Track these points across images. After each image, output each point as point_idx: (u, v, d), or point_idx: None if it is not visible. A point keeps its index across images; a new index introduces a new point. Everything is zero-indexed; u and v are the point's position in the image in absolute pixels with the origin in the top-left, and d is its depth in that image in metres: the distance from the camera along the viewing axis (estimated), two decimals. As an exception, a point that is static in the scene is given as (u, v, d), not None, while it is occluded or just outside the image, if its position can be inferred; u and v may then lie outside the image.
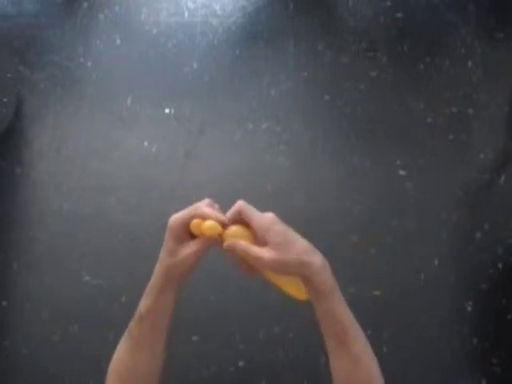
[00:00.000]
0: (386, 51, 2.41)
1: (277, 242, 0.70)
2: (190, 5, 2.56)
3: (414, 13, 2.49)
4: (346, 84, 2.36)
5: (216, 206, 0.77)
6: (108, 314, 2.00)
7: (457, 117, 2.29)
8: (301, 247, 0.71)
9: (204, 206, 0.75)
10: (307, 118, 2.31)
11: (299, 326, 1.99)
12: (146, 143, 2.30)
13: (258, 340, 1.98)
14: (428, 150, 2.24)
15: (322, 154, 2.25)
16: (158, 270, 0.76)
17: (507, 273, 2.06)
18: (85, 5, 2.56)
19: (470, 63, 2.37)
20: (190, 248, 0.75)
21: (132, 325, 0.77)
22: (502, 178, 2.19)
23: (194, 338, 1.99)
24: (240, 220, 0.74)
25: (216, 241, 0.76)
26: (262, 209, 0.75)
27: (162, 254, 0.76)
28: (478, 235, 2.10)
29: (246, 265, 0.76)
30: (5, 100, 2.40)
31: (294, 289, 0.78)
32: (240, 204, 0.74)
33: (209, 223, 0.74)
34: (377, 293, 1.97)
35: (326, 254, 0.73)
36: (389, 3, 2.51)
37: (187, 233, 0.75)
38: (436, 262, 2.07)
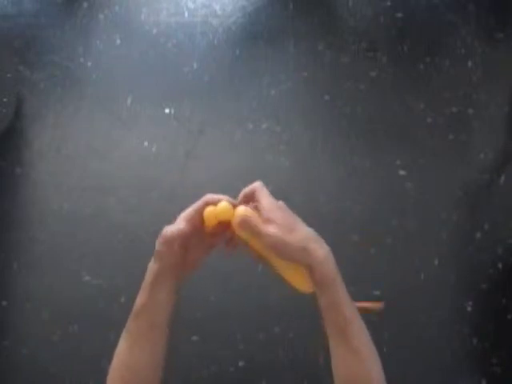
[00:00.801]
0: (386, 51, 2.41)
1: (282, 223, 0.72)
2: (190, 5, 2.56)
3: (414, 13, 2.49)
4: (346, 84, 2.36)
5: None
6: (108, 314, 2.00)
7: (457, 117, 2.29)
8: (306, 235, 0.72)
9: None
10: (307, 118, 2.31)
11: (299, 325, 1.99)
12: (146, 143, 2.30)
13: (258, 340, 1.98)
14: (428, 150, 2.24)
15: (322, 154, 2.25)
16: (158, 266, 0.75)
17: (507, 273, 2.06)
18: (85, 5, 2.56)
19: (470, 63, 2.37)
20: (195, 256, 0.78)
21: (130, 321, 0.77)
22: (502, 178, 2.19)
23: (194, 337, 1.99)
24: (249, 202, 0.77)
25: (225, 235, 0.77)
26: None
27: (160, 257, 0.75)
28: (478, 235, 2.10)
29: (253, 251, 0.77)
30: (5, 100, 2.40)
31: (299, 280, 0.78)
32: (256, 184, 0.77)
33: (222, 206, 0.75)
34: (377, 293, 1.97)
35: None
36: (389, 3, 2.51)
37: (183, 245, 0.76)
38: (436, 262, 2.07)
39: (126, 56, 2.46)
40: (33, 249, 2.15)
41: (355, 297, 0.73)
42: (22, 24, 2.55)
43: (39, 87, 2.41)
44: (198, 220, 0.76)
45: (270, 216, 0.72)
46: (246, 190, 0.78)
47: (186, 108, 2.35)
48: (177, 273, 0.77)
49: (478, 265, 2.07)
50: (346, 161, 2.23)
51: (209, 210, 0.76)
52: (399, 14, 2.48)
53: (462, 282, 2.05)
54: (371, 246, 2.08)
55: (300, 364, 1.95)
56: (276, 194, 0.76)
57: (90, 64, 2.45)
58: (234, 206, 0.76)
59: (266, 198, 0.74)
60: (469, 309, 2.01)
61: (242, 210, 0.75)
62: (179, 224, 0.76)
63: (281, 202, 0.75)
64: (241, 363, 1.95)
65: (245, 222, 0.73)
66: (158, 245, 0.76)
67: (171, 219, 0.79)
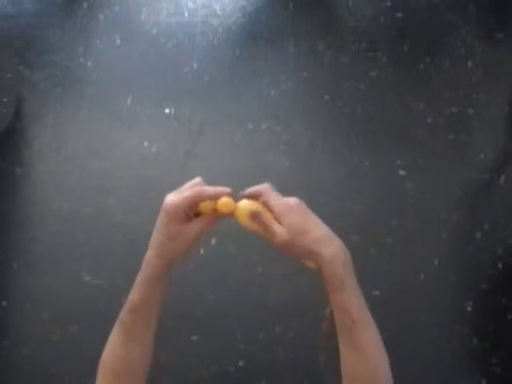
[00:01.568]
0: (386, 51, 2.41)
1: (290, 228, 0.72)
2: (190, 5, 2.56)
3: (414, 13, 2.49)
4: (346, 84, 2.36)
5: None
6: (108, 314, 1.99)
7: (457, 117, 2.29)
8: (314, 237, 0.71)
9: (203, 186, 0.76)
10: (307, 117, 2.31)
11: (299, 325, 1.99)
12: (146, 143, 2.30)
13: (258, 340, 1.98)
14: (428, 150, 2.24)
15: (322, 154, 2.25)
16: (154, 256, 0.75)
17: (507, 273, 2.06)
18: (85, 5, 2.56)
19: (470, 63, 2.37)
20: (194, 228, 0.75)
21: (125, 315, 0.76)
22: (502, 178, 2.19)
23: (194, 337, 1.99)
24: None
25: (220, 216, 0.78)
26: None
27: (160, 239, 0.75)
28: (478, 235, 2.10)
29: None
30: (5, 100, 2.40)
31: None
32: (262, 188, 0.76)
33: (224, 200, 0.76)
34: (377, 293, 1.97)
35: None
36: (389, 3, 2.51)
37: (186, 214, 0.75)
38: (436, 262, 2.07)
39: (126, 56, 2.46)
40: (33, 249, 2.15)
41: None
42: (22, 24, 2.55)
43: (39, 87, 2.41)
44: (181, 213, 0.75)
45: (280, 220, 0.73)
46: (252, 190, 0.77)
47: (186, 108, 2.35)
48: (178, 259, 0.76)
49: (478, 265, 2.07)
50: (346, 161, 2.23)
51: (207, 203, 0.76)
52: (399, 14, 2.49)
53: (462, 282, 2.05)
54: (371, 246, 2.08)
55: (300, 364, 1.95)
56: (276, 193, 0.77)
57: (89, 64, 2.45)
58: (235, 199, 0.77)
59: (275, 201, 0.74)
60: (469, 309, 2.01)
61: (245, 202, 0.77)
62: (182, 192, 0.75)
63: (292, 200, 0.74)
64: (241, 363, 1.95)
65: (257, 217, 0.75)
66: (161, 214, 0.75)
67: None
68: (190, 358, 1.96)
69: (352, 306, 0.70)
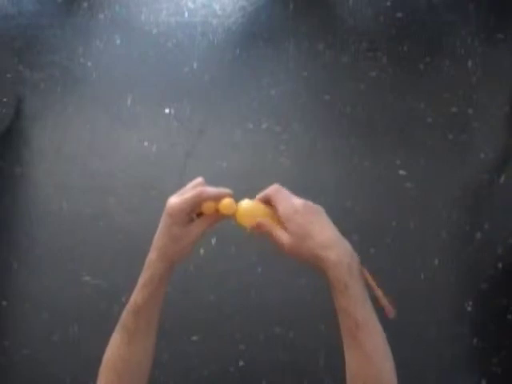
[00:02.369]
0: (386, 51, 2.41)
1: (295, 233, 0.72)
2: (190, 5, 2.56)
3: (414, 13, 2.49)
4: (346, 84, 2.36)
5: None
6: (108, 314, 2.00)
7: (457, 117, 2.29)
8: (318, 241, 0.71)
9: (204, 187, 0.76)
10: (307, 117, 2.31)
11: (299, 325, 1.98)
12: (146, 143, 2.30)
13: (259, 340, 1.98)
14: (428, 149, 2.24)
15: (322, 154, 2.25)
16: (157, 258, 0.76)
17: (507, 273, 2.06)
18: (85, 5, 2.56)
19: (470, 63, 2.37)
20: (196, 230, 0.76)
21: (127, 317, 0.77)
22: (502, 178, 2.19)
23: (194, 337, 1.99)
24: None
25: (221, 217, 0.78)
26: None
27: (163, 242, 0.75)
28: (478, 235, 2.10)
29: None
30: (5, 100, 2.40)
31: None
32: (271, 190, 0.76)
33: (226, 202, 0.76)
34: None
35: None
36: (389, 3, 2.51)
37: (188, 215, 0.76)
38: (436, 262, 2.07)
39: (125, 56, 2.46)
40: (33, 249, 2.15)
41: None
42: (22, 24, 2.55)
43: (39, 87, 2.41)
44: (184, 214, 0.75)
45: (285, 224, 0.73)
46: (262, 195, 0.78)
47: (186, 108, 2.35)
48: (181, 260, 0.77)
49: (478, 265, 2.07)
50: (346, 161, 2.23)
51: (209, 204, 0.76)
52: (399, 14, 2.48)
53: (462, 282, 2.05)
54: (371, 246, 2.08)
55: (300, 364, 1.95)
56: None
57: (89, 64, 2.45)
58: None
59: (282, 204, 0.74)
60: (469, 309, 2.01)
61: (246, 205, 0.77)
62: (184, 194, 0.75)
63: (299, 203, 0.74)
64: (241, 363, 1.95)
65: (259, 227, 0.75)
66: (164, 216, 0.76)
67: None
68: (190, 358, 1.96)
69: (356, 310, 0.70)
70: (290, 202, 0.74)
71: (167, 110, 2.35)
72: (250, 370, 1.95)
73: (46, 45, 2.50)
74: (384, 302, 0.77)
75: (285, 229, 0.74)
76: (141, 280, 0.77)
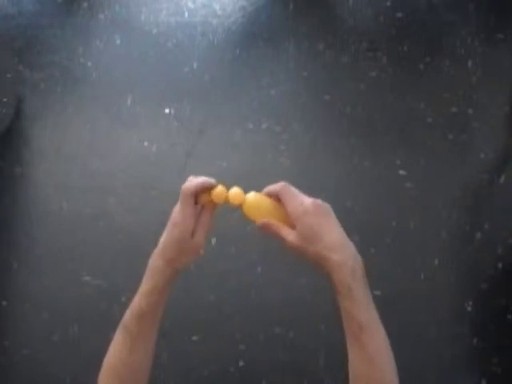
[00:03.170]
0: (386, 51, 2.41)
1: (302, 232, 0.72)
2: (190, 5, 2.56)
3: (414, 13, 2.49)
4: (346, 84, 2.36)
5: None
6: (108, 314, 2.00)
7: (457, 117, 2.29)
8: (325, 243, 0.71)
9: (191, 184, 0.76)
10: (307, 117, 2.31)
11: (299, 325, 1.99)
12: (146, 143, 2.30)
13: (259, 340, 1.98)
14: (428, 149, 2.24)
15: (322, 154, 2.25)
16: (164, 265, 0.76)
17: (507, 273, 2.06)
18: (85, 5, 2.56)
19: (470, 63, 2.37)
20: (199, 234, 0.77)
21: (131, 321, 0.77)
22: (502, 178, 2.19)
23: (194, 337, 1.99)
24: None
25: (214, 211, 0.79)
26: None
27: (172, 253, 0.76)
28: (478, 235, 2.10)
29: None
30: (5, 100, 2.40)
31: None
32: (280, 187, 0.76)
33: (235, 191, 0.76)
34: (377, 293, 1.97)
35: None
36: (389, 3, 2.51)
37: (192, 223, 0.76)
38: (436, 262, 2.07)
39: (125, 56, 2.46)
40: (33, 249, 2.15)
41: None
42: (22, 24, 2.55)
43: (39, 87, 2.41)
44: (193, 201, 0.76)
45: (294, 223, 0.73)
46: (270, 189, 0.77)
47: (186, 108, 2.35)
48: (182, 265, 0.77)
49: (478, 265, 2.07)
50: (345, 161, 2.23)
51: (220, 189, 0.77)
52: (399, 14, 2.48)
53: (462, 282, 2.05)
54: (371, 246, 2.08)
55: (300, 364, 1.95)
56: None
57: (90, 64, 2.45)
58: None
59: (291, 203, 0.74)
60: (469, 309, 2.01)
61: (253, 194, 0.77)
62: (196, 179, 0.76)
63: (309, 203, 0.73)
64: (241, 363, 1.95)
65: (267, 227, 0.76)
66: (176, 207, 0.76)
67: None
68: (189, 358, 1.96)
69: (360, 313, 0.70)
70: (299, 201, 0.74)
71: (167, 110, 2.35)
72: (250, 369, 1.95)
73: (46, 45, 2.50)
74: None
75: (292, 227, 0.74)
76: (146, 285, 0.77)
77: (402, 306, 2.00)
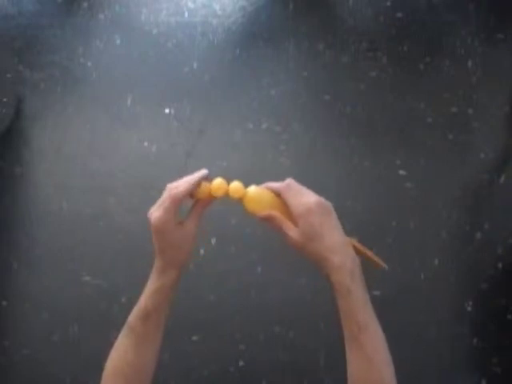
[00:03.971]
0: (386, 51, 2.41)
1: (304, 230, 0.73)
2: (190, 5, 2.56)
3: (414, 13, 2.49)
4: (345, 84, 2.36)
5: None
6: (108, 314, 2.00)
7: (457, 117, 2.29)
8: (326, 244, 0.72)
9: (176, 188, 0.75)
10: (307, 117, 2.31)
11: (299, 325, 1.98)
12: (145, 143, 2.30)
13: (259, 340, 1.98)
14: (428, 149, 2.24)
15: (322, 154, 2.25)
16: (167, 266, 0.76)
17: (507, 273, 2.06)
18: (85, 5, 2.56)
19: (470, 63, 2.37)
20: (190, 227, 0.76)
21: (136, 322, 0.77)
22: (502, 178, 2.19)
23: (194, 337, 1.99)
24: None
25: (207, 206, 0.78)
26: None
27: (167, 253, 0.76)
28: (478, 235, 2.10)
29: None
30: (5, 100, 2.40)
31: None
32: (283, 187, 0.76)
33: (235, 185, 0.77)
34: (377, 293, 1.97)
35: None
36: (389, 3, 2.51)
37: (175, 220, 0.75)
38: (436, 262, 2.07)
39: (125, 56, 2.46)
40: (33, 249, 2.15)
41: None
42: (22, 24, 2.55)
43: (39, 87, 2.41)
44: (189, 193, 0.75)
45: (296, 220, 0.73)
46: (272, 187, 0.78)
47: (186, 108, 2.35)
48: (183, 262, 0.77)
49: (478, 265, 2.07)
50: (346, 161, 2.23)
51: (204, 185, 0.76)
52: (399, 14, 2.48)
53: (462, 282, 2.05)
54: (371, 246, 2.08)
55: (300, 364, 1.95)
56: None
57: (89, 64, 2.45)
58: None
59: (295, 200, 0.74)
60: (469, 309, 2.01)
61: (254, 188, 0.77)
62: (163, 205, 0.74)
63: (314, 202, 0.73)
64: (241, 363, 1.95)
65: (270, 219, 0.75)
66: (152, 233, 0.75)
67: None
68: (190, 358, 1.96)
69: (358, 314, 0.71)
70: (303, 198, 0.74)
71: (167, 110, 2.35)
72: (250, 370, 1.95)
73: (46, 45, 2.50)
74: (375, 258, 0.76)
75: (295, 224, 0.74)
76: (151, 285, 0.77)
77: (402, 306, 2.00)
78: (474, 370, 1.95)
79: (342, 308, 0.72)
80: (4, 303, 2.07)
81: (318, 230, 0.72)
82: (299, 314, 2.00)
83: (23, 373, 1.98)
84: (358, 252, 0.75)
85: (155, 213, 0.74)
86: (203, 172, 0.77)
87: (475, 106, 2.29)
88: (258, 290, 2.04)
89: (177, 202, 0.74)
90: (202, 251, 2.06)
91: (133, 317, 0.77)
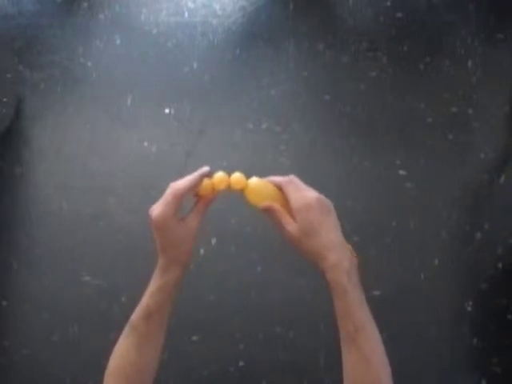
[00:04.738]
0: (386, 51, 2.41)
1: (303, 227, 0.73)
2: (190, 5, 2.56)
3: (414, 13, 2.49)
4: (346, 84, 2.36)
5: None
6: (108, 314, 2.00)
7: (457, 117, 2.29)
8: (323, 242, 0.72)
9: (177, 184, 0.75)
10: (307, 117, 2.31)
11: (299, 325, 1.98)
12: (145, 143, 2.30)
13: (259, 340, 1.98)
14: (428, 149, 2.24)
15: (322, 154, 2.25)
16: (170, 264, 0.76)
17: (507, 273, 2.06)
18: (85, 5, 2.56)
19: (470, 63, 2.37)
20: (193, 221, 0.76)
21: (139, 321, 0.76)
22: (502, 178, 2.19)
23: (194, 337, 1.99)
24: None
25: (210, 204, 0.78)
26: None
27: (169, 250, 0.75)
28: (478, 235, 2.10)
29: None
30: (5, 100, 2.40)
31: None
32: (284, 182, 0.76)
33: (236, 176, 0.76)
34: (377, 293, 1.97)
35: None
36: (389, 3, 2.51)
37: (175, 217, 0.75)
38: (436, 262, 2.07)
39: (125, 56, 2.46)
40: (33, 249, 2.15)
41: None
42: (22, 24, 2.55)
43: (39, 87, 2.41)
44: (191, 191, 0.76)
45: (295, 215, 0.73)
46: (273, 180, 0.77)
47: (186, 108, 2.35)
48: (186, 260, 0.77)
49: (478, 265, 2.07)
50: (345, 161, 2.23)
51: (205, 181, 0.76)
52: (399, 14, 2.48)
53: (462, 282, 2.05)
54: (371, 246, 2.08)
55: (300, 364, 1.95)
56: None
57: (89, 64, 2.45)
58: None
59: (295, 195, 0.74)
60: (469, 309, 2.01)
61: (255, 180, 0.77)
62: (165, 200, 0.74)
63: (314, 198, 0.73)
64: (241, 363, 1.95)
65: (270, 210, 0.75)
66: (153, 230, 0.75)
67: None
68: (190, 358, 1.96)
69: (354, 313, 0.70)
70: (303, 194, 0.74)
71: (167, 110, 2.35)
72: (250, 370, 1.95)
73: (46, 45, 2.50)
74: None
75: (294, 219, 0.74)
76: (153, 284, 0.77)
77: (402, 306, 2.00)
78: (473, 369, 1.95)
79: (338, 308, 0.72)
80: (4, 303, 2.07)
81: (315, 226, 0.72)
82: (299, 314, 2.00)
83: (23, 373, 1.98)
84: None
85: (156, 209, 0.74)
86: (205, 169, 0.77)
87: (475, 106, 2.29)
88: (258, 290, 2.04)
89: (178, 198, 0.74)
90: (201, 251, 2.06)
91: (135, 316, 0.77)
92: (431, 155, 2.22)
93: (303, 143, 2.27)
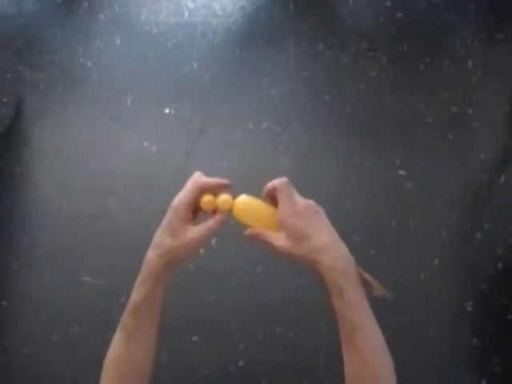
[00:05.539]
0: (386, 51, 2.41)
1: (290, 234, 0.72)
2: (190, 5, 2.56)
3: (414, 13, 2.49)
4: (345, 84, 2.36)
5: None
6: (108, 314, 2.00)
7: (457, 117, 2.29)
8: (314, 245, 0.71)
9: (203, 178, 0.76)
10: (307, 117, 2.31)
11: (299, 325, 1.98)
12: (145, 143, 2.30)
13: (258, 340, 1.98)
14: (428, 149, 2.24)
15: (322, 154, 2.25)
16: (155, 256, 0.75)
17: (507, 273, 2.06)
18: (85, 5, 2.56)
19: (470, 63, 2.37)
20: (195, 231, 0.75)
21: (126, 317, 0.76)
22: (502, 178, 2.19)
23: (194, 338, 1.99)
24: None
25: (223, 223, 0.78)
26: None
27: (161, 238, 0.75)
28: (478, 235, 2.10)
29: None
30: (5, 100, 2.40)
31: None
32: (277, 183, 0.75)
33: (224, 197, 0.76)
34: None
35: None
36: (389, 3, 2.51)
37: (191, 214, 0.76)
38: (436, 262, 2.07)
39: (125, 56, 2.46)
40: (33, 249, 2.15)
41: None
42: (22, 24, 2.55)
43: (39, 87, 2.41)
44: (188, 212, 0.76)
45: (283, 225, 0.73)
46: (269, 186, 0.76)
47: (186, 108, 2.35)
48: (180, 260, 0.76)
49: (478, 265, 2.07)
50: (346, 161, 2.23)
51: (208, 198, 0.76)
52: (399, 14, 2.48)
53: (462, 282, 2.05)
54: (371, 246, 2.08)
55: (300, 364, 1.95)
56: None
57: (90, 64, 2.45)
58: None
59: (283, 202, 0.73)
60: (469, 309, 2.01)
61: (242, 198, 0.77)
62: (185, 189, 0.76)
63: (301, 205, 0.73)
64: (241, 363, 1.95)
65: (253, 237, 0.76)
66: (168, 211, 0.76)
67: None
68: (190, 358, 1.96)
69: (352, 313, 0.70)
70: (291, 201, 0.73)
71: (167, 110, 2.35)
72: (250, 370, 1.95)
73: (46, 45, 2.50)
74: (380, 289, 0.75)
75: (281, 229, 0.73)
76: (139, 278, 0.77)
77: (402, 306, 2.00)
78: (473, 369, 1.95)
79: (336, 308, 0.71)
80: (4, 303, 2.07)
81: (303, 232, 0.71)
82: (299, 314, 2.00)
83: (23, 373, 1.98)
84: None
85: (177, 196, 0.76)
86: (227, 181, 0.77)
87: (475, 106, 2.29)
88: (258, 290, 2.04)
89: (197, 186, 0.75)
90: (202, 251, 2.06)
91: (124, 313, 0.77)
92: (431, 155, 2.22)
93: (303, 143, 2.27)
